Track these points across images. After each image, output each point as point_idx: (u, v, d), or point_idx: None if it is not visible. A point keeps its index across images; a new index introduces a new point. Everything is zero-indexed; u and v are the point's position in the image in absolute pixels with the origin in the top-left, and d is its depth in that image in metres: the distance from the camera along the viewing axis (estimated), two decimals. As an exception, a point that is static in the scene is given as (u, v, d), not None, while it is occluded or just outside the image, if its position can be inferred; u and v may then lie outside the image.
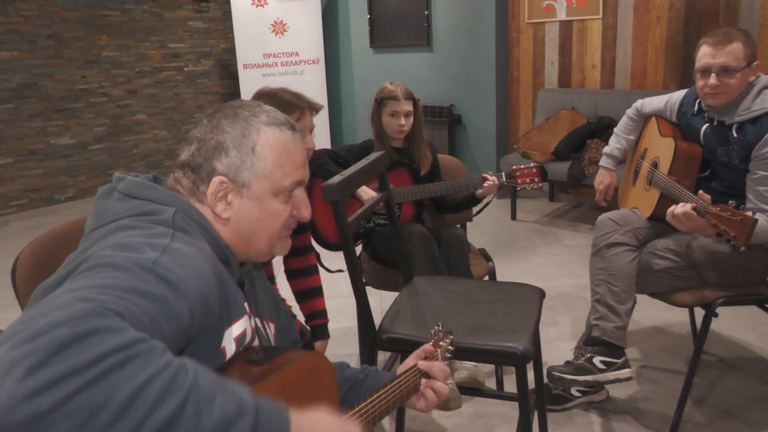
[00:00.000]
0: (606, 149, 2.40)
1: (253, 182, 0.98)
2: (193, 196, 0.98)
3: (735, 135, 1.93)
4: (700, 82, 1.97)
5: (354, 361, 2.54)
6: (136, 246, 0.78)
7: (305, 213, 1.05)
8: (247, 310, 1.00)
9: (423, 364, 1.20)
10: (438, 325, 1.35)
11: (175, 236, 0.84)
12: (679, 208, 1.77)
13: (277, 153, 0.99)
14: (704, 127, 2.04)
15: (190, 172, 0.98)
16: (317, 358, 0.97)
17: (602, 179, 2.39)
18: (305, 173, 1.04)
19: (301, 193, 1.05)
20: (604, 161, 2.40)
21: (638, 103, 2.34)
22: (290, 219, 1.04)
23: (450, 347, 1.34)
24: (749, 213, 1.62)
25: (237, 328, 0.94)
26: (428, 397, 1.19)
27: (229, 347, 0.92)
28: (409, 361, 1.23)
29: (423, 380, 1.20)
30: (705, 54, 1.92)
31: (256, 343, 1.01)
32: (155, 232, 0.83)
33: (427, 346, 1.26)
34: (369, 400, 1.04)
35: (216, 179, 0.96)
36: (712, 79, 1.90)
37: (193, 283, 0.79)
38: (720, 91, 1.91)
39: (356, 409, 1.01)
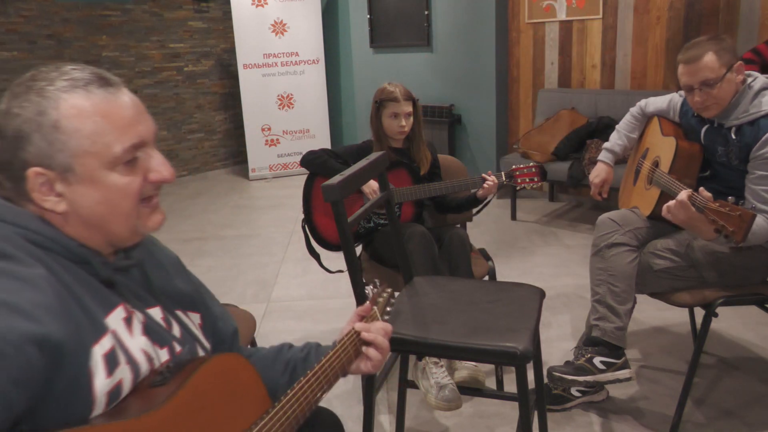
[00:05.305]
0: (606, 144, 2.38)
1: (75, 163, 0.83)
2: (22, 198, 0.84)
3: (734, 136, 1.93)
4: (688, 98, 2.00)
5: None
6: None
7: (164, 172, 0.90)
8: (122, 308, 0.88)
9: (360, 326, 1.14)
10: (375, 281, 1.31)
11: None
12: (674, 200, 1.78)
13: (90, 121, 0.83)
14: (704, 128, 2.05)
15: (1, 173, 0.84)
16: (228, 358, 0.94)
17: (599, 173, 2.35)
18: (141, 130, 0.87)
19: (147, 154, 0.89)
20: (603, 156, 2.37)
21: (642, 103, 2.34)
22: (146, 187, 0.89)
23: (391, 300, 1.28)
24: None
25: (106, 342, 0.82)
26: (372, 356, 1.14)
27: (97, 369, 0.80)
28: (346, 327, 1.17)
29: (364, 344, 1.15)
30: (682, 73, 1.96)
31: (153, 352, 0.91)
32: None
33: (363, 306, 1.21)
34: (305, 379, 0.99)
35: (29, 173, 0.82)
36: (697, 96, 1.94)
37: (11, 339, 0.69)
38: (709, 104, 1.94)
39: (292, 392, 0.96)
